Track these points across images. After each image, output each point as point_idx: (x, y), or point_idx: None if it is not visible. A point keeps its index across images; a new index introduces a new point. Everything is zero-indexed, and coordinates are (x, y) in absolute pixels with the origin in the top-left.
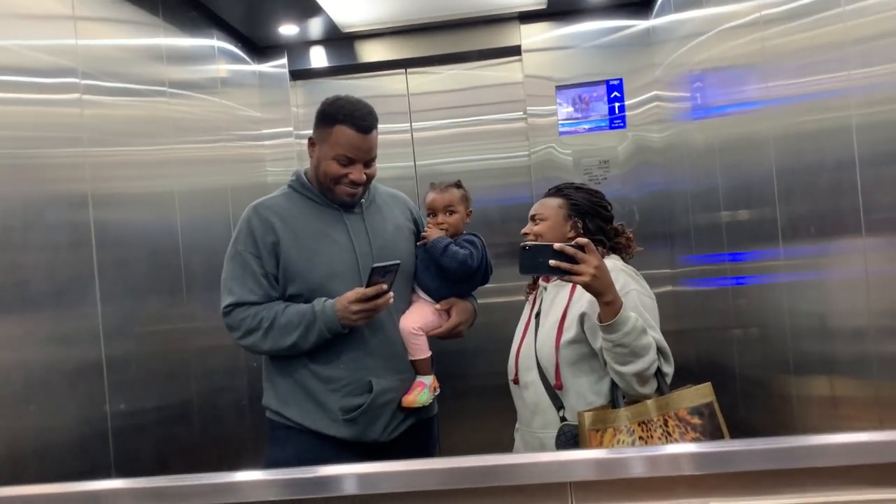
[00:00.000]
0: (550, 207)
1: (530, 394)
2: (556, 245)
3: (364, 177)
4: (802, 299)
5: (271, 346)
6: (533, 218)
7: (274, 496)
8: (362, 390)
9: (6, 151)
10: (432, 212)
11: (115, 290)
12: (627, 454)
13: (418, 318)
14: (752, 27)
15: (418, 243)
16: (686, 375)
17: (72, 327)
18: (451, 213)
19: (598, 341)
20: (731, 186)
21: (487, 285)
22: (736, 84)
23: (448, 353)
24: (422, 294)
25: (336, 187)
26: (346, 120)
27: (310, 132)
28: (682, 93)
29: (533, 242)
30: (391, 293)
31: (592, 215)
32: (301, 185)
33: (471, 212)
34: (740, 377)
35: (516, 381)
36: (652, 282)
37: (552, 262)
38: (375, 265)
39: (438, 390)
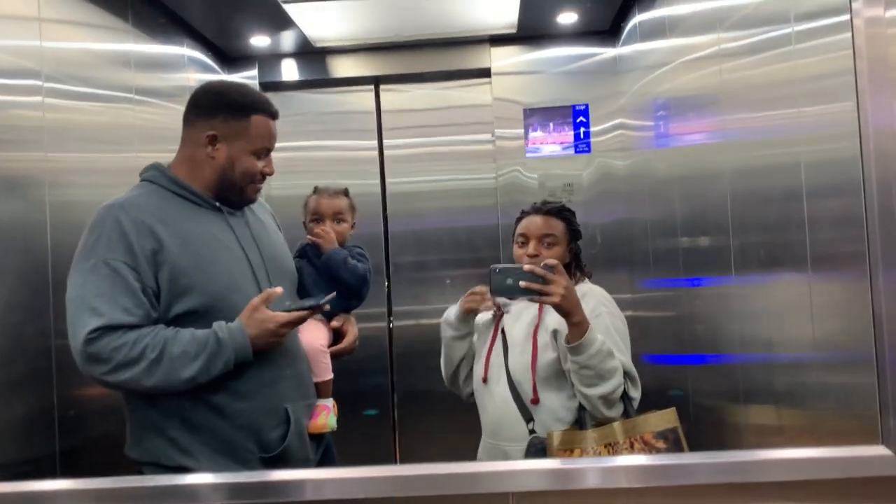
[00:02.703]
0: (560, 231)
1: (497, 404)
2: (527, 266)
3: (273, 169)
4: (751, 327)
5: (158, 381)
6: (541, 239)
7: (224, 499)
8: (278, 421)
9: None
10: (318, 217)
11: None
12: (571, 465)
13: (321, 335)
14: (711, 60)
15: (304, 248)
16: (644, 401)
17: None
18: (340, 221)
19: (567, 363)
20: (688, 215)
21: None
22: (695, 115)
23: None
24: None
25: (249, 186)
26: (261, 108)
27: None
28: (646, 121)
29: (503, 265)
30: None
31: (578, 238)
32: (170, 181)
33: (354, 224)
34: (693, 404)
35: (485, 381)
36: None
37: (523, 283)
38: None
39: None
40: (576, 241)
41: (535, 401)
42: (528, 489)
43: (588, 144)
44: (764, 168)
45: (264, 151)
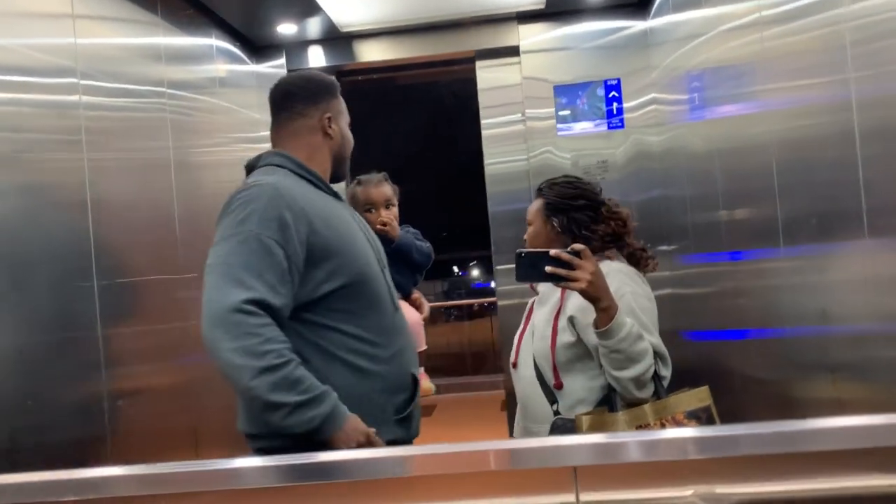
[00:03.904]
0: (534, 211)
1: (524, 385)
2: (552, 252)
3: None
4: (803, 298)
5: (256, 385)
6: (528, 223)
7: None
8: (405, 386)
9: (7, 151)
10: (371, 206)
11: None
12: (633, 438)
13: (413, 311)
14: (752, 28)
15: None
16: (687, 379)
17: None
18: (390, 206)
19: (593, 338)
20: (729, 188)
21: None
22: (734, 86)
23: None
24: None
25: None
26: (338, 87)
27: None
28: (681, 95)
29: (529, 249)
30: None
31: (567, 210)
32: (299, 167)
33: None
34: (740, 378)
35: (515, 365)
36: (652, 284)
37: (548, 268)
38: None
39: None
40: (563, 213)
41: (558, 385)
42: (592, 463)
43: (621, 120)
44: (812, 136)
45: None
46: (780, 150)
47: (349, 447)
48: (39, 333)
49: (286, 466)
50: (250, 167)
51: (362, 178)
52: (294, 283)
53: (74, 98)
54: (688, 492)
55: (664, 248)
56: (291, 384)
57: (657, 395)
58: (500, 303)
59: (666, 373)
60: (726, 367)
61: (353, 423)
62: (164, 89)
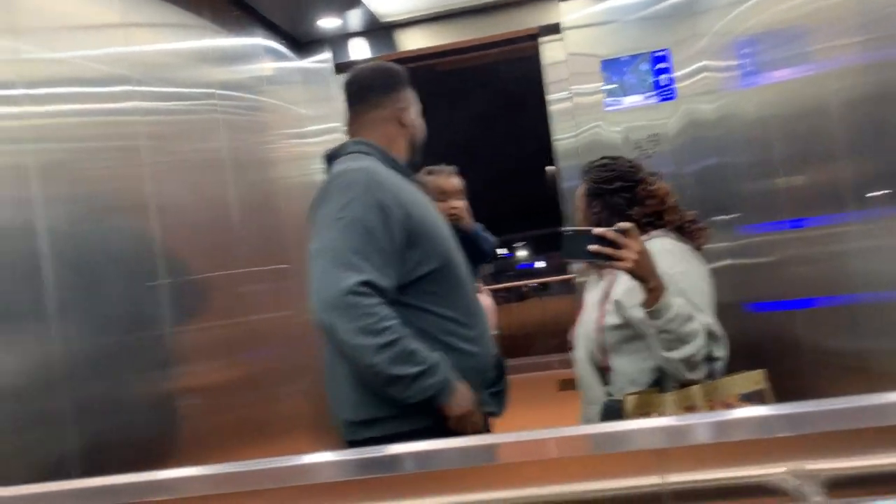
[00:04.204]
0: (579, 196)
1: (579, 367)
2: (597, 230)
3: None
4: (876, 264)
5: (378, 362)
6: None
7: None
8: (492, 364)
9: (72, 160)
10: (445, 196)
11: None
12: (719, 417)
13: (486, 297)
14: None
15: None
16: (749, 352)
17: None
18: (459, 198)
19: (641, 314)
20: (789, 152)
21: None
22: (789, 48)
23: None
24: None
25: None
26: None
27: None
28: (731, 61)
29: (574, 227)
30: None
31: (603, 195)
32: (383, 154)
33: None
34: (809, 348)
35: (572, 347)
36: (710, 256)
37: (592, 247)
38: None
39: None
40: (602, 197)
41: (606, 367)
42: (679, 445)
43: (672, 91)
44: (879, 94)
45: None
46: (844, 111)
47: (461, 412)
48: (113, 334)
49: (367, 459)
50: (332, 156)
51: (433, 168)
52: (396, 265)
53: (131, 105)
54: (780, 469)
55: (721, 218)
56: (408, 356)
57: (711, 376)
58: (578, 280)
59: (720, 353)
60: (793, 338)
61: (463, 390)
62: (214, 90)
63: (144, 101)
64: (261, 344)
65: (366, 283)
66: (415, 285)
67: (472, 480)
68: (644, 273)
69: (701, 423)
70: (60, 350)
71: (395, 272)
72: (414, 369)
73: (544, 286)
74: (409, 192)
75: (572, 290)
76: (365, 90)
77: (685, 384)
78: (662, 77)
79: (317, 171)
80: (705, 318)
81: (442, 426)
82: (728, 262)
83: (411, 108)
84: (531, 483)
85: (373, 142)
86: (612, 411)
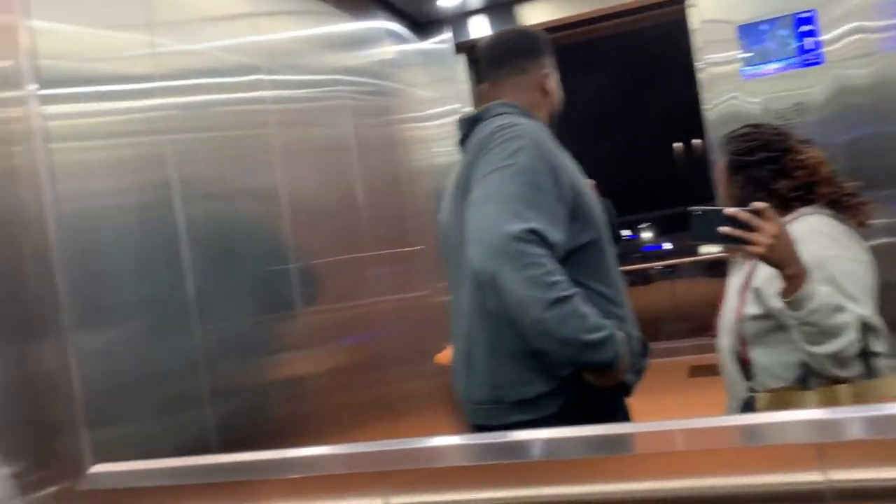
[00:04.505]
0: (719, 171)
1: (722, 357)
2: (728, 210)
3: None
4: None
5: (548, 318)
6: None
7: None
8: (638, 347)
9: (205, 150)
10: None
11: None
12: (889, 411)
13: None
14: None
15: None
16: None
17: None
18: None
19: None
20: None
21: None
22: None
23: None
24: None
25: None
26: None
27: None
28: (890, 20)
29: (704, 207)
30: None
31: (745, 167)
32: (536, 119)
33: None
34: None
35: (715, 337)
36: (865, 234)
37: (723, 229)
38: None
39: None
40: (743, 171)
41: (746, 360)
42: (839, 439)
43: (818, 55)
44: None
45: None
46: None
47: (615, 384)
48: (246, 317)
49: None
50: (474, 119)
51: None
52: (563, 228)
53: (261, 94)
54: None
55: (879, 192)
56: (581, 318)
57: (870, 374)
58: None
59: (880, 348)
60: None
61: (625, 358)
62: (339, 76)
63: (274, 90)
64: (384, 326)
65: (533, 231)
66: (574, 256)
67: (610, 469)
68: (781, 259)
69: (869, 416)
70: (199, 334)
71: (563, 234)
72: (587, 336)
73: (672, 268)
74: (568, 159)
75: (706, 272)
76: (508, 54)
77: (835, 381)
78: (808, 41)
79: (439, 154)
80: (860, 310)
81: (584, 405)
82: (884, 240)
83: (553, 74)
84: (678, 476)
85: (514, 103)
86: (752, 409)
